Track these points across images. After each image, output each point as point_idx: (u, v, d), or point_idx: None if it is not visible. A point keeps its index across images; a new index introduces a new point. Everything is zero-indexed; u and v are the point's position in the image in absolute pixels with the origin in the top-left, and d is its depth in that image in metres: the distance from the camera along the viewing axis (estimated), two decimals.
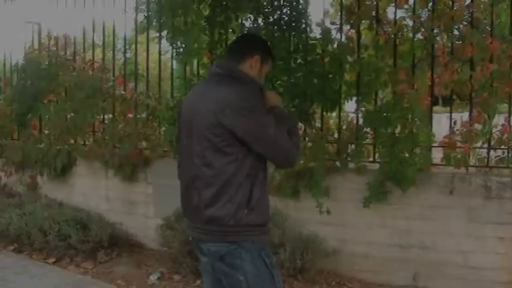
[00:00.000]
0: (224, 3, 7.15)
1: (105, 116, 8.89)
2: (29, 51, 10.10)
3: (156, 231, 7.03)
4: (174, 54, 7.33)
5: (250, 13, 7.16)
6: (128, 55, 9.68)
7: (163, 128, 7.73)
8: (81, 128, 8.45)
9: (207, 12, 7.22)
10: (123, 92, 8.45)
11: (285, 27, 6.89)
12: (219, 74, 3.46)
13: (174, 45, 7.20)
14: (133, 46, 9.39)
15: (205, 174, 3.29)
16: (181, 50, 7.06)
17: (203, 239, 3.39)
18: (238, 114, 3.18)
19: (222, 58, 7.31)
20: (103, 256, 7.35)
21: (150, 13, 7.92)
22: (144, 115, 8.25)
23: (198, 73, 7.68)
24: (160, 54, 8.24)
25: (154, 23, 7.80)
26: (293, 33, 6.87)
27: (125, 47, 9.44)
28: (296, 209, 6.76)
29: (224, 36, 7.31)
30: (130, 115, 8.35)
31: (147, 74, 8.62)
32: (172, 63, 8.39)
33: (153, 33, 8.22)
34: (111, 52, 9.33)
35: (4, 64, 11.30)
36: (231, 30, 7.31)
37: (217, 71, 3.50)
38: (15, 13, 10.48)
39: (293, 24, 6.86)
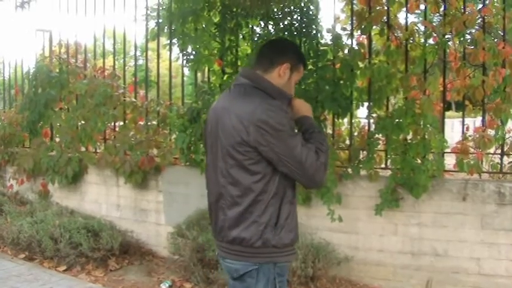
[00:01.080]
0: (234, 9, 7.16)
1: (116, 124, 8.88)
2: (40, 59, 10.12)
3: (167, 239, 7.01)
4: (185, 61, 7.33)
5: (260, 19, 7.17)
6: (139, 62, 9.70)
7: (174, 136, 7.71)
8: (92, 135, 8.44)
9: (217, 19, 7.24)
10: (133, 100, 8.43)
11: (295, 33, 6.90)
12: (244, 84, 3.29)
13: (185, 52, 7.20)
14: (144, 53, 9.40)
15: (230, 193, 3.18)
16: (192, 56, 7.06)
17: (227, 257, 3.28)
18: (264, 132, 3.04)
19: (232, 65, 7.35)
20: (114, 264, 7.34)
21: (160, 20, 7.91)
22: (155, 122, 8.24)
23: (209, 80, 7.66)
24: (170, 61, 8.22)
25: (165, 30, 7.79)
26: (304, 39, 6.87)
27: (135, 54, 9.45)
28: (307, 216, 6.71)
29: (234, 43, 7.32)
30: (141, 122, 8.33)
31: (158, 80, 8.62)
32: (182, 70, 8.37)
33: (164, 41, 8.20)
34: (122, 59, 9.35)
35: (15, 72, 11.34)
36: (241, 36, 7.30)
37: (242, 80, 3.32)
38: (26, 21, 10.45)
39: (304, 30, 6.87)
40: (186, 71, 8.95)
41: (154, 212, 8.04)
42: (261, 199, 3.12)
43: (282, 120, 3.08)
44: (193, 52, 7.09)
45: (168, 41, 7.88)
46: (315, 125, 3.32)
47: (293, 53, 3.45)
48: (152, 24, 8.29)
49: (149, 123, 8.26)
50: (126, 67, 9.25)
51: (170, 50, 8.02)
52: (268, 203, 3.12)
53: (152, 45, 9.08)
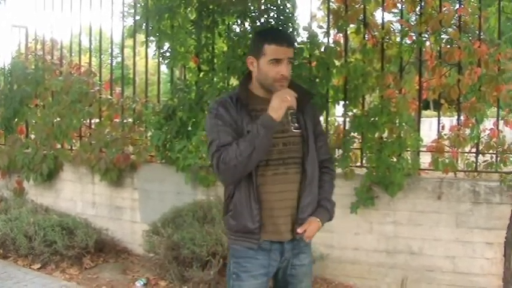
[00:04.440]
0: (211, 7, 7.13)
1: (92, 121, 8.82)
2: (15, 55, 10.03)
3: (142, 237, 6.98)
4: (161, 59, 7.30)
5: (237, 17, 7.14)
6: (116, 60, 9.64)
7: (150, 133, 7.67)
8: (68, 132, 8.35)
9: (194, 16, 7.21)
10: (109, 97, 8.37)
11: None
12: None
13: (161, 49, 7.16)
14: (121, 51, 9.35)
15: None
16: (168, 54, 7.03)
17: None
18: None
19: (208, 62, 7.34)
20: (89, 262, 7.28)
21: (137, 17, 7.87)
22: (130, 120, 8.19)
23: (185, 77, 7.63)
24: (147, 58, 8.17)
25: (142, 27, 7.76)
26: None
27: (111, 51, 9.39)
28: None
29: (211, 40, 7.28)
30: (116, 120, 8.28)
31: (134, 78, 8.57)
32: (159, 67, 8.33)
33: (142, 38, 8.16)
34: (99, 56, 9.28)
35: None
36: (217, 34, 7.28)
37: None
38: (2, 17, 10.37)
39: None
40: (164, 68, 8.92)
41: (130, 210, 7.99)
42: (226, 188, 3.53)
43: (215, 106, 3.45)
44: (170, 49, 7.06)
45: (145, 38, 7.87)
46: (254, 127, 3.27)
47: (252, 43, 3.62)
48: (129, 21, 8.27)
49: (125, 121, 8.20)
50: (103, 64, 9.16)
51: (146, 47, 7.99)
52: (228, 191, 3.49)
53: (129, 42, 9.02)
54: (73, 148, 8.83)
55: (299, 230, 3.37)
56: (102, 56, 9.26)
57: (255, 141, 3.21)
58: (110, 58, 9.76)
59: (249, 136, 3.25)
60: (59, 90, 8.47)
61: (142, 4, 7.72)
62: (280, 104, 3.22)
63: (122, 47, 8.98)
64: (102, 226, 7.91)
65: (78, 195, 8.66)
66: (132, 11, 8.18)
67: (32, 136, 9.31)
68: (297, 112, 3.44)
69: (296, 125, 3.47)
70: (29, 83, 9.10)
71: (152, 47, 7.83)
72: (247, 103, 3.41)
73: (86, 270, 7.15)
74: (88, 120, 8.75)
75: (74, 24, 9.21)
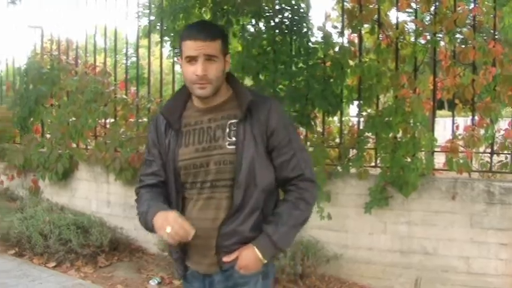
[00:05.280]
0: (225, 7, 7.14)
1: (107, 120, 8.87)
2: (31, 55, 10.10)
3: (157, 236, 7.00)
4: (176, 59, 7.32)
5: (251, 17, 7.15)
6: (131, 59, 9.69)
7: None
8: (83, 132, 8.40)
9: (208, 16, 7.22)
10: (124, 96, 8.41)
11: (286, 31, 6.92)
12: None
13: (176, 49, 7.18)
14: (136, 51, 9.40)
15: None
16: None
17: None
18: None
19: None
20: (103, 261, 7.31)
21: (152, 18, 7.91)
22: (145, 119, 8.22)
23: None
24: (162, 58, 8.20)
25: (157, 27, 7.81)
26: (294, 37, 6.88)
27: (126, 51, 9.44)
28: None
29: None
30: (131, 119, 8.32)
31: (149, 78, 8.61)
32: (173, 67, 8.36)
33: (157, 38, 8.20)
34: (114, 56, 9.34)
35: (7, 68, 11.32)
36: (232, 34, 7.29)
37: None
38: (18, 17, 10.47)
39: (294, 28, 6.87)
40: (178, 68, 8.93)
41: None
42: None
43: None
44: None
45: (160, 38, 7.91)
46: (145, 208, 3.04)
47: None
48: (144, 21, 8.31)
49: (140, 120, 8.25)
50: (118, 64, 9.22)
51: (161, 47, 8.03)
52: None
53: (144, 42, 9.07)
54: (88, 147, 8.88)
55: (225, 259, 2.91)
56: (116, 56, 9.31)
57: (143, 215, 3.00)
58: (124, 58, 9.82)
59: (143, 207, 3.03)
60: (74, 90, 8.52)
61: (157, 4, 7.77)
62: (159, 230, 2.85)
63: (137, 47, 9.05)
64: (117, 225, 7.95)
65: (93, 194, 8.71)
66: (147, 11, 8.22)
67: (48, 135, 9.36)
68: (242, 123, 2.90)
69: (233, 139, 2.89)
70: (44, 83, 9.17)
71: (167, 47, 7.87)
72: (172, 121, 3.00)
73: (101, 268, 7.17)
74: (103, 120, 8.80)
75: (89, 24, 9.28)
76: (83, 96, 8.32)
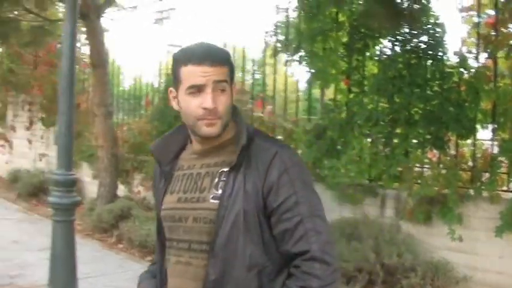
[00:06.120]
0: (362, 30, 7.33)
1: None
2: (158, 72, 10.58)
3: None
4: (311, 79, 7.55)
5: (388, 40, 7.32)
6: (256, 76, 9.97)
7: (300, 151, 7.91)
8: None
9: (345, 39, 7.41)
10: (260, 114, 8.68)
11: (421, 54, 7.02)
12: None
13: (313, 70, 7.41)
14: (262, 68, 9.67)
15: None
16: (319, 74, 7.26)
17: None
18: None
19: (359, 84, 7.52)
20: None
21: (286, 38, 8.16)
22: (280, 137, 8.45)
23: (335, 98, 7.90)
24: (286, 77, 8.44)
25: (293, 47, 8.03)
26: (430, 61, 6.99)
27: (264, 70, 9.73)
28: (428, 235, 6.80)
29: (361, 63, 7.47)
30: None
31: (274, 96, 8.87)
32: (298, 86, 8.59)
33: (286, 57, 8.43)
34: (248, 75, 9.66)
35: (146, 85, 11.88)
36: (368, 56, 7.46)
37: None
38: (159, 36, 11.02)
39: (430, 52, 6.97)
40: (301, 86, 9.18)
41: None
42: None
43: None
44: (321, 70, 7.30)
45: (292, 58, 8.12)
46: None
47: (172, 68, 2.28)
48: (273, 40, 8.57)
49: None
50: (245, 81, 9.51)
51: (291, 66, 8.28)
52: None
53: (269, 60, 9.31)
54: None
55: None
56: (244, 74, 9.62)
57: None
58: (253, 76, 10.11)
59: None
60: None
61: (295, 26, 8.02)
62: None
63: (275, 66, 9.29)
64: None
65: None
66: (278, 31, 8.47)
67: None
68: (233, 173, 2.14)
69: (219, 192, 2.13)
70: None
71: (293, 66, 8.11)
72: (163, 161, 2.36)
73: None
74: None
75: (220, 42, 9.65)
76: None
